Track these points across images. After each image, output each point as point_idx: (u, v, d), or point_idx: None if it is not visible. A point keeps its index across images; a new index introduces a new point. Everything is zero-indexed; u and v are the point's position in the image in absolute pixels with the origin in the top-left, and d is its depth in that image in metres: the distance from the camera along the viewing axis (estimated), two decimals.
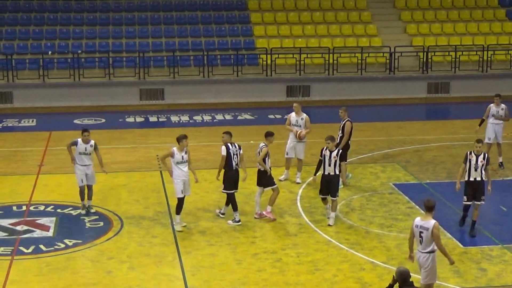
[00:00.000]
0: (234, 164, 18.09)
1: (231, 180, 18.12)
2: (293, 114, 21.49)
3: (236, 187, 18.22)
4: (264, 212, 18.48)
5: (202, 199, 19.75)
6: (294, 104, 21.63)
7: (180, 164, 17.52)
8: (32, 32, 35.13)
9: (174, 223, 17.85)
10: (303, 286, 14.96)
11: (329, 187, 18.08)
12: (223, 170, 18.18)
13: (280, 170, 21.57)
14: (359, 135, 24.69)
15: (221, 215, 18.53)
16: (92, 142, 18.70)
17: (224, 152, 18.07)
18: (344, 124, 20.85)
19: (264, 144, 18.43)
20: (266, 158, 18.34)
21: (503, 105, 22.88)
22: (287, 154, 21.54)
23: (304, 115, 21.40)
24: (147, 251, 16.60)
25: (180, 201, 17.67)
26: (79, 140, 18.63)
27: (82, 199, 18.87)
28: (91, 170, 18.76)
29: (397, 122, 29.67)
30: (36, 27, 35.38)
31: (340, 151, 18.37)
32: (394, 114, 31.56)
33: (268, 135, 18.72)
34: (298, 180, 21.24)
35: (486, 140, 22.56)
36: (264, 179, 18.38)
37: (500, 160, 22.97)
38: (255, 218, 18.51)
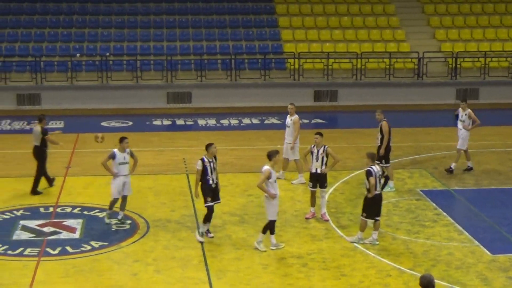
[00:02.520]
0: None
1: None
2: (288, 116, 21.91)
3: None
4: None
5: (228, 203, 19.70)
6: (289, 106, 21.93)
7: (275, 183, 16.73)
8: (60, 34, 35.35)
9: (256, 242, 16.97)
10: None
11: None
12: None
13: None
14: None
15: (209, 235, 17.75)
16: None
17: (199, 166, 17.17)
18: (381, 124, 20.79)
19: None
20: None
21: (468, 110, 22.75)
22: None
23: (295, 117, 21.73)
24: (173, 254, 16.60)
25: (274, 223, 16.91)
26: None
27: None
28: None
29: (425, 128, 29.50)
30: (65, 30, 35.60)
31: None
32: (422, 120, 31.37)
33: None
34: (282, 176, 21.66)
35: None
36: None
37: (452, 166, 22.86)
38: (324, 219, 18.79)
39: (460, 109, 22.87)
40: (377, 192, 16.82)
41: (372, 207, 16.92)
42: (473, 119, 22.65)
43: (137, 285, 15.18)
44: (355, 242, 17.13)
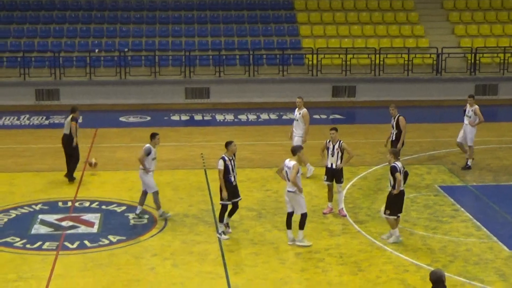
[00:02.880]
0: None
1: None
2: (296, 109, 21.87)
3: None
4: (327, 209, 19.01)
5: (246, 198, 19.66)
6: (297, 99, 21.88)
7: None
8: (79, 30, 35.48)
9: (297, 241, 16.89)
10: (346, 286, 14.87)
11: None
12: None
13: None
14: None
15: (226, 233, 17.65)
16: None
17: (221, 166, 17.05)
18: (398, 119, 20.82)
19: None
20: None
21: (474, 106, 22.55)
22: None
23: (303, 110, 21.69)
24: (191, 249, 16.64)
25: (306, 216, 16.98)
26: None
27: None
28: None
29: (443, 124, 29.38)
30: (84, 25, 35.72)
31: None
32: (440, 116, 31.25)
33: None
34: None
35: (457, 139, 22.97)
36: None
37: (469, 163, 22.71)
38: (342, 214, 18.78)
39: (468, 105, 22.73)
40: (401, 189, 16.75)
41: (396, 203, 16.83)
42: (478, 116, 22.48)
43: (154, 279, 15.23)
44: (396, 242, 16.87)
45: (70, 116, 21.56)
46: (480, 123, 22.61)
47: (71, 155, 21.52)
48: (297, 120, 21.77)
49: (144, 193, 18.46)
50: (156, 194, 18.37)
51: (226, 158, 17.08)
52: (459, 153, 24.06)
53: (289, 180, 16.58)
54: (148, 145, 18.26)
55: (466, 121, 22.67)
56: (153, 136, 18.35)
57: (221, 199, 17.18)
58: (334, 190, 18.86)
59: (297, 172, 16.48)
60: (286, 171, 16.69)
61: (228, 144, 17.22)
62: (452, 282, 14.75)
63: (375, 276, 15.28)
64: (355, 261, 15.98)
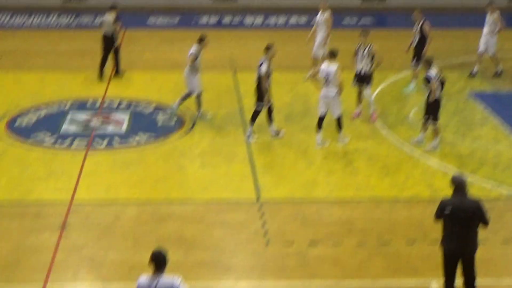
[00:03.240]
0: None
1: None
2: (320, 13, 21.68)
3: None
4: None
5: (274, 101, 19.40)
6: (321, 2, 21.69)
7: None
8: None
9: (340, 141, 17.12)
10: (373, 189, 14.94)
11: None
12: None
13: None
14: (436, 42, 24.15)
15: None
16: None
17: (265, 71, 17.03)
18: (423, 24, 20.49)
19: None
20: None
21: (495, 14, 22.12)
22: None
23: (327, 13, 21.51)
24: (219, 150, 16.71)
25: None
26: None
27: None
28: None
29: (476, 31, 28.82)
30: None
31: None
32: (474, 22, 30.59)
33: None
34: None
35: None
36: None
37: (498, 69, 22.44)
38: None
39: (488, 12, 22.32)
40: (437, 96, 16.56)
41: (437, 109, 16.69)
42: (498, 23, 22.08)
43: (182, 178, 15.39)
44: (433, 150, 16.75)
45: (113, 15, 21.38)
46: (500, 30, 22.23)
47: (114, 52, 21.52)
48: (320, 23, 21.53)
49: (188, 94, 18.51)
50: (200, 95, 18.49)
51: (268, 62, 16.98)
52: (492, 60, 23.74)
53: (327, 85, 16.50)
54: (195, 48, 18.40)
55: (486, 29, 22.34)
56: (203, 38, 18.59)
57: (262, 102, 17.11)
58: (363, 94, 18.74)
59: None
60: (326, 74, 16.56)
61: (269, 48, 17.11)
62: (480, 187, 14.76)
63: (403, 179, 15.32)
64: (383, 165, 16.00)
